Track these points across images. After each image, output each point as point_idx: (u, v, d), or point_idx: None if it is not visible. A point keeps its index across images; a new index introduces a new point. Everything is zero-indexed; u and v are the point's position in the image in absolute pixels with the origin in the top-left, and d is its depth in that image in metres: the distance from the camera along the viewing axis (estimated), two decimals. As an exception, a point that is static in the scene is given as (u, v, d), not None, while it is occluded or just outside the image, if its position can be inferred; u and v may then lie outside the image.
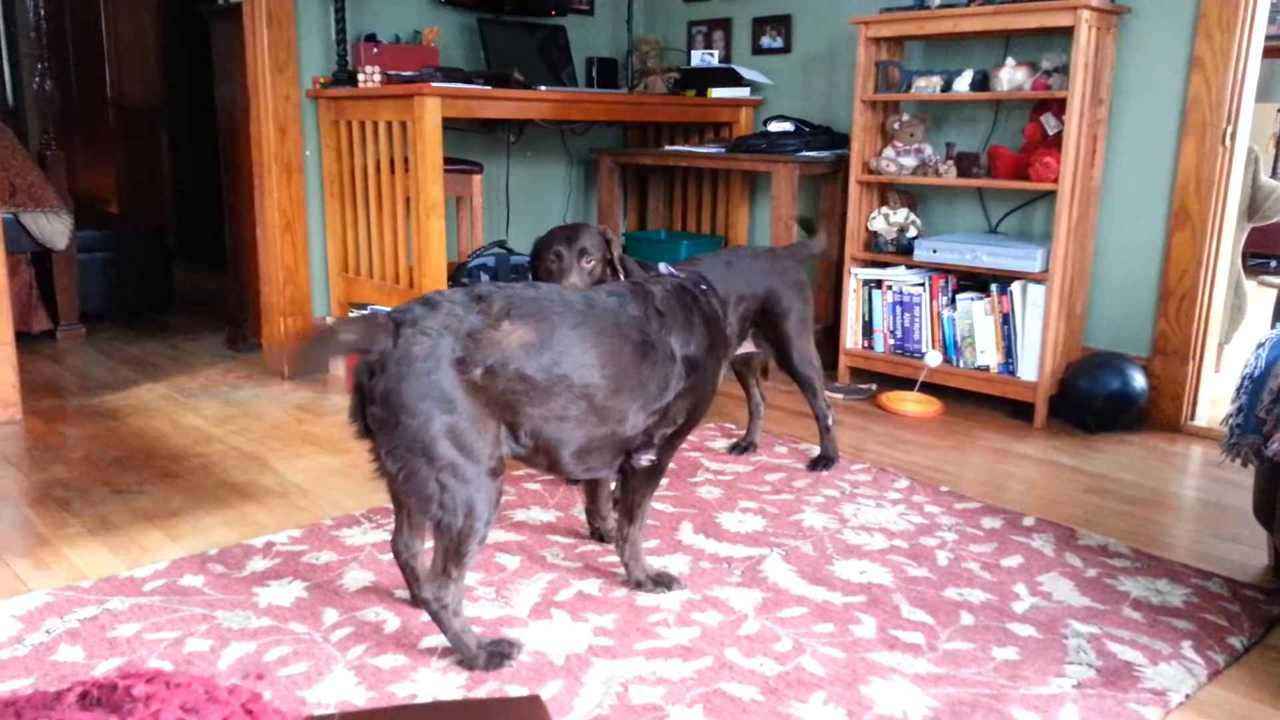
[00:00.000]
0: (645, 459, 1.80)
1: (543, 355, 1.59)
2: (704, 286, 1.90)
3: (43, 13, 4.55)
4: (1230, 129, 2.85)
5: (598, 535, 2.14)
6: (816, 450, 2.67)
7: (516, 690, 1.57)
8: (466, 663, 1.63)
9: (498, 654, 1.64)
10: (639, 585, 1.91)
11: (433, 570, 1.61)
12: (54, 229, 3.88)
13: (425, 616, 1.77)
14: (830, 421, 2.62)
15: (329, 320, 3.53)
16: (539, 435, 1.63)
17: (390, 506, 2.29)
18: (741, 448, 2.74)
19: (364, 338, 1.52)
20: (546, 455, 1.67)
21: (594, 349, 1.65)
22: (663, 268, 2.06)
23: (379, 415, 1.54)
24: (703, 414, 1.89)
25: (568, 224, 2.26)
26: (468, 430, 1.54)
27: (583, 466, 1.73)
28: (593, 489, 2.12)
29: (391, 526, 2.18)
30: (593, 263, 2.19)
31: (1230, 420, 2.01)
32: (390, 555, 1.89)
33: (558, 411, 1.62)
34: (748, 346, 2.56)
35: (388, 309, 1.62)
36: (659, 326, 1.75)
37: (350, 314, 3.38)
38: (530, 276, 2.30)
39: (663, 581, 1.92)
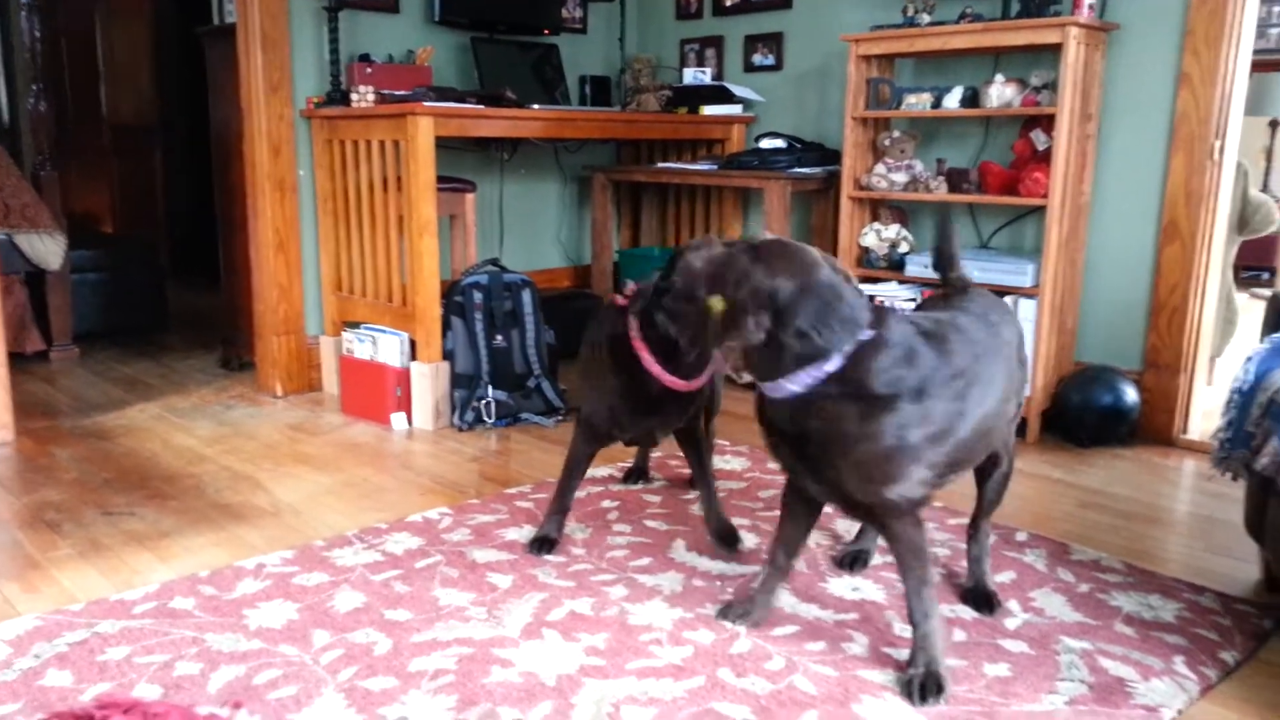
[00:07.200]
0: None
1: None
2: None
3: (38, 33, 4.55)
4: (1219, 143, 2.86)
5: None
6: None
7: (508, 712, 1.56)
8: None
9: None
10: None
11: None
12: (48, 249, 3.88)
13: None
14: None
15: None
16: None
17: (381, 526, 2.29)
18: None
19: None
20: None
21: None
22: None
23: None
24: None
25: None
26: None
27: None
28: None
29: (380, 545, 2.17)
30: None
31: (1220, 434, 2.01)
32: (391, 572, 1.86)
33: None
34: None
35: None
36: None
37: (344, 333, 3.37)
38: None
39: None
